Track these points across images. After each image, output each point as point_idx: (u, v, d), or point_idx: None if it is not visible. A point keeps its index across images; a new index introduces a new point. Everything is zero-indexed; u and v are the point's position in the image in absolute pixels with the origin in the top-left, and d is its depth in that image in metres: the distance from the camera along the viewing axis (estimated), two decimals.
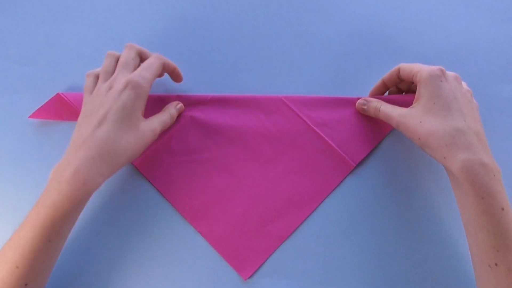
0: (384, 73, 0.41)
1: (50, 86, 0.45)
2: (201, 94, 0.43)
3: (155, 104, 0.42)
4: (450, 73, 0.36)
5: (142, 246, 0.38)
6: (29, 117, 0.42)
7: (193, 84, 0.45)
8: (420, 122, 0.35)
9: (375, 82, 0.43)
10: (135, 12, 0.50)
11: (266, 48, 0.48)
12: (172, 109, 0.40)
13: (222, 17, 0.49)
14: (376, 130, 0.42)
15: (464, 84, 0.38)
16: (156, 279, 0.37)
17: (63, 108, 0.43)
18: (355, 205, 0.40)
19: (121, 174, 0.41)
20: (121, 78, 0.35)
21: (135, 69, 0.37)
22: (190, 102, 0.42)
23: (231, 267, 0.37)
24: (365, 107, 0.41)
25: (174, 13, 0.50)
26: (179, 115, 0.42)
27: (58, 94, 0.42)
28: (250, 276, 0.37)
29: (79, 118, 0.36)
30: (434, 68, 0.36)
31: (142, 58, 0.39)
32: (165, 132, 0.41)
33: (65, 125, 0.43)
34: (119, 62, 0.37)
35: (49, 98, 0.42)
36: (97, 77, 0.38)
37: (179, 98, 0.42)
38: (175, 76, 0.42)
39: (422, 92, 0.36)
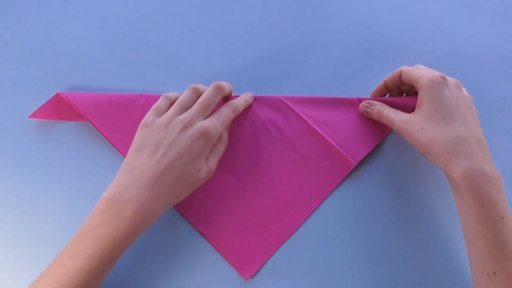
0: (385, 73, 0.41)
1: (50, 86, 0.44)
2: None
3: None
4: (451, 80, 0.36)
5: (143, 246, 0.38)
6: (29, 117, 0.42)
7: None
8: (422, 129, 0.35)
9: (376, 82, 0.43)
10: (135, 12, 0.50)
11: (266, 48, 0.48)
12: (224, 135, 0.39)
13: (222, 17, 0.49)
14: (376, 130, 0.42)
15: (464, 90, 0.38)
16: (157, 280, 0.37)
17: (63, 108, 0.43)
18: (355, 205, 0.40)
19: None
20: (196, 122, 0.35)
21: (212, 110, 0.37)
22: None
23: (232, 268, 0.37)
24: (368, 110, 0.41)
25: (174, 13, 0.50)
26: None
27: (58, 94, 0.42)
28: (252, 276, 0.37)
29: (139, 141, 0.35)
30: (436, 74, 0.36)
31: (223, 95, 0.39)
32: None
33: (65, 125, 0.43)
34: (200, 101, 0.37)
35: (49, 98, 0.42)
36: (172, 103, 0.38)
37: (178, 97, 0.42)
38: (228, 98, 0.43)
39: (423, 98, 0.35)
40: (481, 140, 0.34)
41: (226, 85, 0.39)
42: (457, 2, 0.50)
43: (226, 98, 0.42)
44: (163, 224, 0.39)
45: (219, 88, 0.38)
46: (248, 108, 0.42)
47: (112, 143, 0.41)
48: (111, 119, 0.42)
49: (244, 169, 0.40)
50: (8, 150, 0.42)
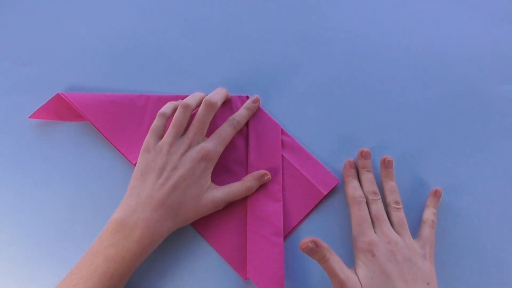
0: (385, 75, 0.41)
1: (50, 86, 0.45)
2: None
3: (156, 105, 0.42)
4: (381, 240, 0.35)
5: None
6: (29, 117, 0.42)
7: (194, 86, 0.45)
8: None
9: (375, 84, 0.42)
10: (135, 12, 0.50)
11: (266, 50, 0.48)
12: (252, 181, 0.39)
13: (221, 18, 0.49)
14: None
15: (401, 240, 0.35)
16: (155, 279, 0.37)
17: (63, 108, 0.43)
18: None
19: (121, 175, 0.41)
20: (196, 144, 0.37)
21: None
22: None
23: (230, 267, 0.37)
24: (313, 249, 0.33)
25: (174, 13, 0.50)
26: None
27: (58, 94, 0.42)
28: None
29: (142, 165, 0.36)
30: (365, 241, 0.35)
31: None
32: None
33: (65, 125, 0.43)
34: (195, 123, 0.38)
35: (49, 98, 0.42)
36: (167, 118, 0.38)
37: (178, 98, 0.42)
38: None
39: (357, 260, 0.35)
40: None
41: (219, 97, 0.39)
42: (457, 2, 0.50)
43: (225, 102, 0.42)
44: None
45: (210, 106, 0.38)
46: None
47: (112, 143, 0.41)
48: (111, 119, 0.42)
49: (243, 170, 0.40)
50: (8, 150, 0.42)
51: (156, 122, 0.38)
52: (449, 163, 0.42)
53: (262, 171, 0.39)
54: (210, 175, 0.37)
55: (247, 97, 0.43)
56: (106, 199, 0.40)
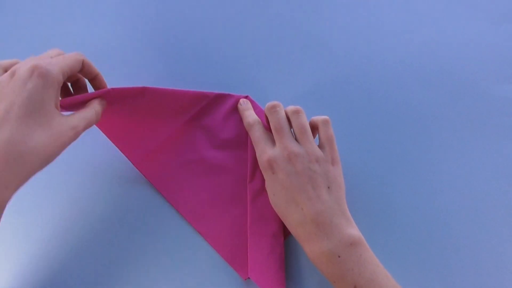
0: (384, 74, 0.41)
1: None
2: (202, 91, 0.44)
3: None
4: (281, 154, 0.34)
5: (141, 246, 0.38)
6: None
7: (194, 85, 0.45)
8: (274, 206, 0.35)
9: (375, 82, 0.43)
10: (136, 12, 0.50)
11: (266, 48, 0.48)
12: (96, 106, 0.35)
13: (222, 17, 0.50)
14: None
15: (308, 149, 0.34)
16: (155, 279, 0.37)
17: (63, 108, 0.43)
18: (354, 205, 0.40)
19: (121, 174, 0.41)
20: (25, 64, 0.29)
21: None
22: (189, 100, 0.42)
23: (230, 267, 0.37)
24: (241, 106, 0.39)
25: (174, 14, 0.50)
26: (177, 116, 0.42)
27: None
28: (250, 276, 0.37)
29: None
30: (264, 159, 0.35)
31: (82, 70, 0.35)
32: (164, 133, 0.41)
33: None
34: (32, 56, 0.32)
35: None
36: (5, 70, 0.32)
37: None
38: (98, 83, 0.38)
39: (265, 182, 0.36)
40: (319, 214, 0.31)
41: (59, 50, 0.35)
42: (457, 2, 0.50)
43: (227, 105, 0.42)
44: (162, 224, 0.39)
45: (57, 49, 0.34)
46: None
47: (112, 143, 0.41)
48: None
49: (243, 169, 0.41)
50: None
51: None
52: (449, 163, 0.42)
53: (99, 98, 0.35)
54: (55, 99, 0.30)
55: (247, 97, 0.43)
56: (105, 199, 0.40)
